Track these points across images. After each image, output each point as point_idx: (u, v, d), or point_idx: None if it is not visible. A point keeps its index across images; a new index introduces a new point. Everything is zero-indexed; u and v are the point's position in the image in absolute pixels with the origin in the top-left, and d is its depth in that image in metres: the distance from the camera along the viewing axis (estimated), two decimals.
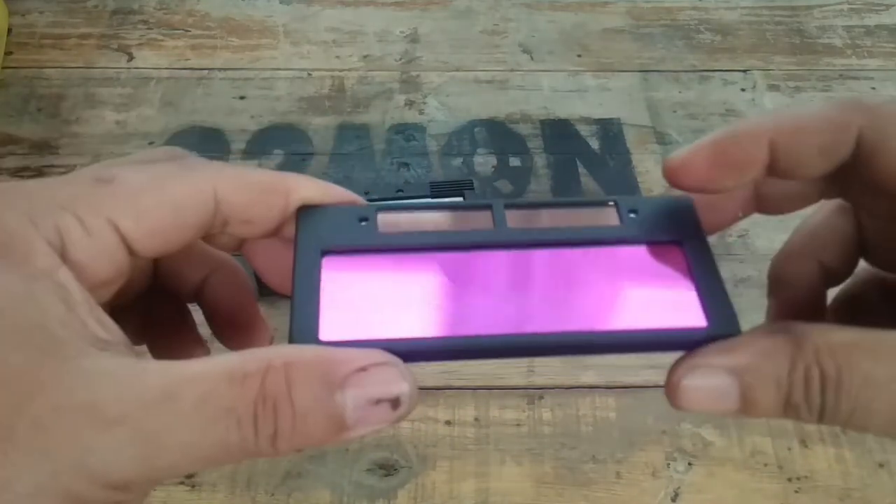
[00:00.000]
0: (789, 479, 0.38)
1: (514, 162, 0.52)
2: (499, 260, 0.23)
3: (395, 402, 0.18)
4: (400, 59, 0.58)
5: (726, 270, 0.41)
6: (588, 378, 0.42)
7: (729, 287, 0.22)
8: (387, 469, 0.39)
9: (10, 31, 0.58)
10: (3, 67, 0.56)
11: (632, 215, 0.24)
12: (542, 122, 0.54)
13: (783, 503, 0.38)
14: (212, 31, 0.59)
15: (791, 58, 0.59)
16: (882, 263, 0.25)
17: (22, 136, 0.52)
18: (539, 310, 0.22)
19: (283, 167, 0.51)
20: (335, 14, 0.61)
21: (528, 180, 0.51)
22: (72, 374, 0.16)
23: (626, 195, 0.24)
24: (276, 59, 0.58)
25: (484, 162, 0.52)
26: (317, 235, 0.23)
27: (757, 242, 0.48)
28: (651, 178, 0.51)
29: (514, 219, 0.24)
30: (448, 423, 0.40)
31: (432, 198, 0.43)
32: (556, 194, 0.50)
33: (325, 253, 0.22)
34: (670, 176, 0.22)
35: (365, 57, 0.58)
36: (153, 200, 0.19)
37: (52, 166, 0.50)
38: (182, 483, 0.38)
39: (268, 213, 0.20)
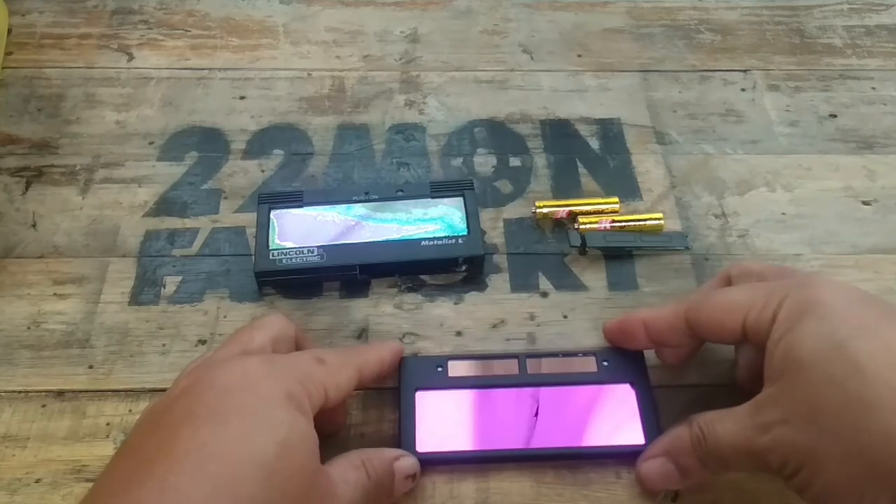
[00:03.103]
0: None
1: (514, 162, 0.52)
2: (520, 395, 0.40)
3: (414, 476, 0.37)
4: (400, 59, 0.58)
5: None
6: None
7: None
8: None
9: (10, 31, 0.58)
10: (3, 67, 0.56)
11: (605, 363, 0.41)
12: (542, 122, 0.54)
13: (783, 503, 0.38)
14: (212, 31, 0.59)
15: (791, 58, 0.59)
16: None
17: (22, 136, 0.52)
18: (541, 431, 0.39)
19: (283, 167, 0.51)
20: (335, 14, 0.61)
21: (529, 180, 0.51)
22: (325, 472, 0.33)
23: (601, 347, 0.42)
24: (276, 59, 0.58)
25: (484, 162, 0.52)
26: (412, 379, 0.40)
27: (757, 242, 0.48)
28: (651, 178, 0.51)
29: (532, 365, 0.41)
30: None
31: (431, 197, 0.46)
32: (556, 194, 0.50)
33: (417, 389, 0.39)
34: (606, 335, 0.42)
35: (365, 57, 0.58)
36: (343, 377, 0.35)
37: (52, 166, 0.50)
38: None
39: (375, 382, 0.39)
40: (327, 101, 0.55)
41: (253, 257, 0.44)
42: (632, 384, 0.40)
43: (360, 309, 0.44)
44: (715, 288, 0.39)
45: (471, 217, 0.45)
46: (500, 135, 0.53)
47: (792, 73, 0.58)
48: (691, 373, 0.42)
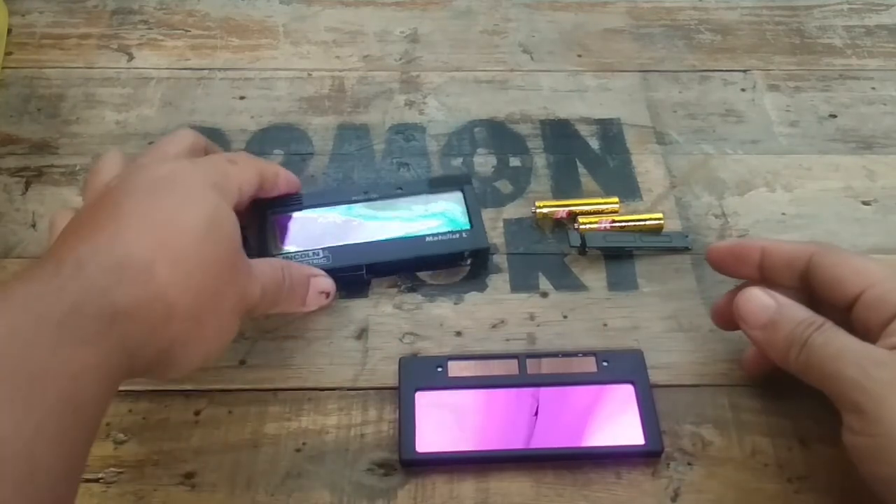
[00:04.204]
0: (789, 480, 0.38)
1: (514, 162, 0.52)
2: (520, 395, 0.40)
3: (328, 294, 0.42)
4: (400, 59, 0.58)
5: None
6: None
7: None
8: (387, 469, 0.39)
9: (10, 31, 0.58)
10: (3, 67, 0.56)
11: (604, 363, 0.41)
12: (542, 122, 0.54)
13: (783, 503, 0.38)
14: (212, 31, 0.59)
15: (791, 58, 0.59)
16: None
17: (22, 136, 0.52)
18: (541, 431, 0.39)
19: (283, 167, 0.50)
20: (335, 14, 0.61)
21: (529, 180, 0.51)
22: (243, 258, 0.36)
23: (601, 347, 0.42)
24: (276, 59, 0.58)
25: (484, 162, 0.52)
26: (412, 379, 0.40)
27: None
28: (651, 178, 0.51)
29: (532, 365, 0.41)
30: None
31: (430, 193, 0.46)
32: (556, 194, 0.50)
33: (417, 390, 0.40)
34: (710, 258, 0.41)
35: (365, 57, 0.58)
36: (252, 175, 0.40)
37: (52, 166, 0.50)
38: (182, 483, 0.38)
39: (269, 187, 0.43)
40: (327, 102, 0.55)
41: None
42: (632, 384, 0.40)
43: (360, 309, 0.44)
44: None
45: (472, 211, 0.45)
46: (500, 135, 0.53)
47: (792, 73, 0.58)
48: (691, 373, 0.42)
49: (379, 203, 0.46)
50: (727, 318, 0.39)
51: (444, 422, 0.39)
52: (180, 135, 0.40)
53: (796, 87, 0.57)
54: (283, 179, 0.43)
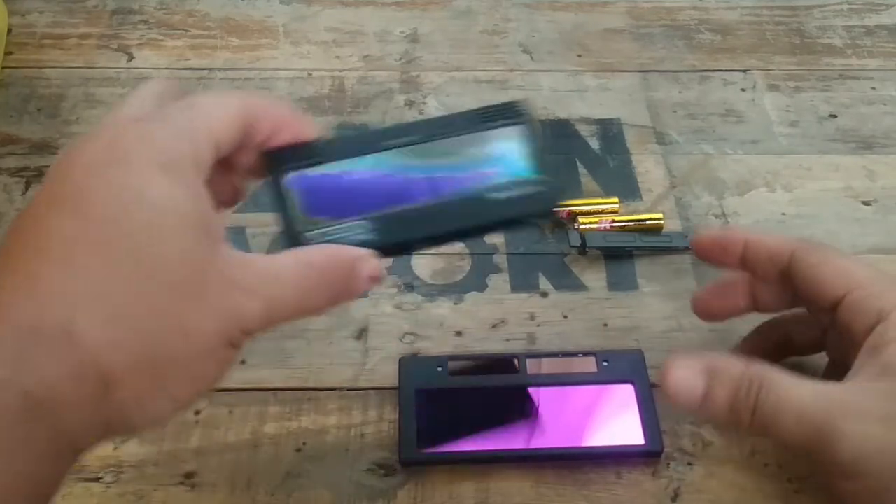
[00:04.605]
0: (789, 480, 0.38)
1: None
2: (520, 395, 0.40)
3: (376, 278, 0.29)
4: (400, 59, 0.58)
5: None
6: None
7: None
8: (387, 469, 0.39)
9: (10, 31, 0.58)
10: (3, 67, 0.56)
11: (605, 363, 0.40)
12: (542, 122, 0.54)
13: (783, 503, 0.38)
14: (212, 31, 0.59)
15: (791, 58, 0.59)
16: (830, 358, 0.39)
17: (22, 136, 0.52)
18: (541, 431, 0.39)
19: None
20: (335, 14, 0.61)
21: None
22: (223, 259, 0.26)
23: (601, 349, 0.42)
24: (276, 59, 0.58)
25: None
26: (412, 379, 0.40)
27: None
28: (651, 178, 0.51)
29: (532, 365, 0.40)
30: None
31: (484, 130, 0.34)
32: None
33: (417, 390, 0.39)
34: (695, 247, 0.39)
35: (365, 57, 0.58)
36: (225, 114, 0.28)
37: None
38: (182, 483, 0.38)
39: (267, 126, 0.30)
40: (327, 102, 0.55)
41: (282, 241, 0.31)
42: (632, 384, 0.40)
43: (360, 309, 0.44)
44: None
45: (537, 150, 0.33)
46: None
47: (792, 73, 0.58)
48: None
49: (418, 149, 0.33)
50: (708, 310, 0.39)
51: (445, 422, 0.39)
52: (146, 84, 0.30)
53: (796, 87, 0.57)
54: (280, 110, 0.31)
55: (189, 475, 0.38)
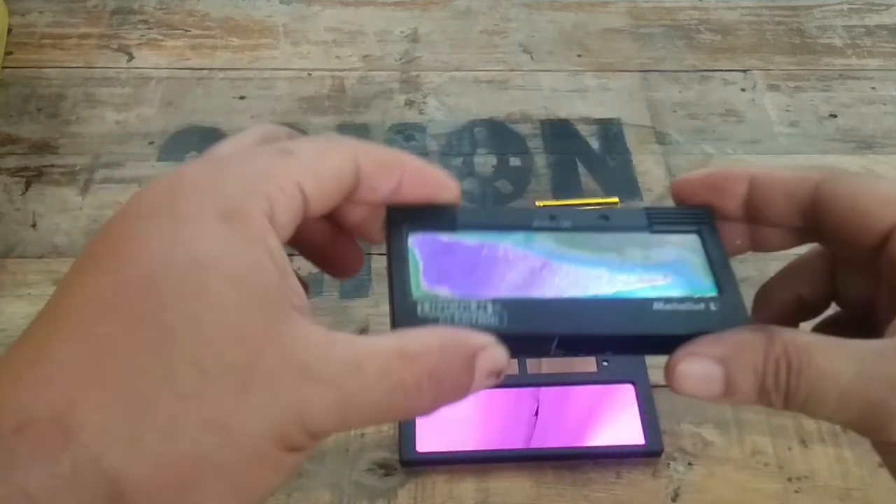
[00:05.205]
0: (789, 479, 0.38)
1: (514, 162, 0.52)
2: (521, 395, 0.40)
3: (498, 374, 0.23)
4: (400, 59, 0.58)
5: None
6: None
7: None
8: (387, 469, 0.39)
9: (10, 31, 0.58)
10: (3, 67, 0.56)
11: (604, 363, 0.41)
12: (542, 122, 0.54)
13: (783, 503, 0.38)
14: (212, 31, 0.59)
15: (791, 58, 0.59)
16: (845, 305, 0.30)
17: (22, 136, 0.52)
18: (541, 431, 0.39)
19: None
20: (335, 14, 0.61)
21: (528, 180, 0.51)
22: (288, 336, 0.19)
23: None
24: (276, 59, 0.58)
25: (484, 162, 0.52)
26: None
27: None
28: (651, 178, 0.51)
29: (532, 365, 0.41)
30: None
31: (651, 232, 0.28)
32: (556, 194, 0.50)
33: None
34: (676, 192, 0.28)
35: (365, 57, 0.58)
36: (327, 167, 0.22)
37: (53, 166, 0.50)
38: None
39: (390, 183, 0.24)
40: (327, 101, 0.55)
41: (390, 308, 0.25)
42: (632, 384, 0.40)
43: (361, 309, 0.44)
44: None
45: (717, 266, 0.28)
46: (500, 135, 0.53)
47: (792, 73, 0.58)
48: None
49: (573, 237, 0.28)
50: (688, 199, 0.28)
51: (444, 422, 0.39)
52: (249, 130, 0.25)
53: (796, 86, 0.57)
54: (417, 167, 0.26)
55: None
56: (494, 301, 0.25)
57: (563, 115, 0.55)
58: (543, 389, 0.40)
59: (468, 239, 0.27)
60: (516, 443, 0.38)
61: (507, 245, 0.27)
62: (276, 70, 0.57)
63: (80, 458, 0.18)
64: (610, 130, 0.54)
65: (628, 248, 0.28)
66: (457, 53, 0.58)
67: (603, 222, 0.29)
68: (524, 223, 0.28)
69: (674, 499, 0.38)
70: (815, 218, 0.27)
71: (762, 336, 0.25)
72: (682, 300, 0.26)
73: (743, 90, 0.56)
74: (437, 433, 0.38)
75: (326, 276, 0.45)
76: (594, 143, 0.53)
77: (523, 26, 0.61)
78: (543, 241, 0.28)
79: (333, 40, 0.59)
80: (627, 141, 0.53)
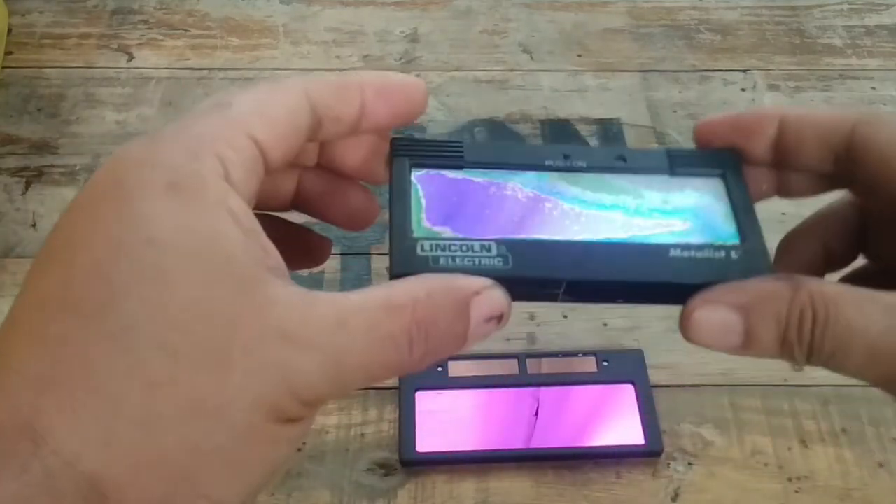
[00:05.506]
0: (789, 479, 0.38)
1: None
2: (520, 395, 0.40)
3: (499, 318, 0.22)
4: (400, 59, 0.58)
5: None
6: None
7: None
8: (387, 469, 0.39)
9: (10, 31, 0.58)
10: (3, 67, 0.56)
11: (605, 363, 0.41)
12: (542, 122, 0.54)
13: (783, 503, 0.38)
14: (212, 31, 0.59)
15: (791, 58, 0.59)
16: (875, 258, 0.28)
17: (22, 136, 0.52)
18: (541, 431, 0.39)
19: None
20: (335, 14, 0.61)
21: None
22: (264, 303, 0.18)
23: (601, 349, 0.42)
24: (276, 59, 0.58)
25: None
26: (412, 379, 0.39)
27: None
28: None
29: (532, 365, 0.41)
30: None
31: (672, 175, 0.27)
32: None
33: (417, 389, 0.40)
34: (698, 135, 0.27)
35: (365, 57, 0.58)
36: (274, 109, 0.20)
37: (52, 166, 0.50)
38: None
39: (351, 108, 0.22)
40: None
41: (389, 247, 0.24)
42: (632, 384, 0.40)
43: None
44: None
45: (740, 213, 0.26)
46: (500, 135, 0.53)
47: (792, 73, 0.58)
48: (691, 373, 0.42)
49: (588, 178, 0.27)
50: (716, 137, 0.26)
51: (444, 422, 0.39)
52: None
53: (796, 86, 0.57)
54: (377, 84, 0.23)
55: None
56: (499, 242, 0.24)
57: (563, 115, 0.55)
58: (543, 389, 0.40)
59: (475, 177, 0.26)
60: (516, 443, 0.38)
61: (517, 184, 0.26)
62: (276, 70, 0.57)
63: (52, 464, 0.17)
64: (610, 130, 0.54)
65: (646, 191, 0.26)
66: (457, 53, 0.58)
67: (621, 163, 0.27)
68: (536, 162, 0.26)
69: (674, 499, 0.38)
70: (848, 163, 0.25)
71: (787, 285, 0.23)
72: (701, 247, 0.24)
73: (743, 90, 0.56)
74: (437, 433, 0.38)
75: (326, 276, 0.45)
76: (594, 143, 0.53)
77: (523, 26, 0.61)
78: (555, 181, 0.26)
79: (333, 40, 0.59)
80: (627, 141, 0.53)
